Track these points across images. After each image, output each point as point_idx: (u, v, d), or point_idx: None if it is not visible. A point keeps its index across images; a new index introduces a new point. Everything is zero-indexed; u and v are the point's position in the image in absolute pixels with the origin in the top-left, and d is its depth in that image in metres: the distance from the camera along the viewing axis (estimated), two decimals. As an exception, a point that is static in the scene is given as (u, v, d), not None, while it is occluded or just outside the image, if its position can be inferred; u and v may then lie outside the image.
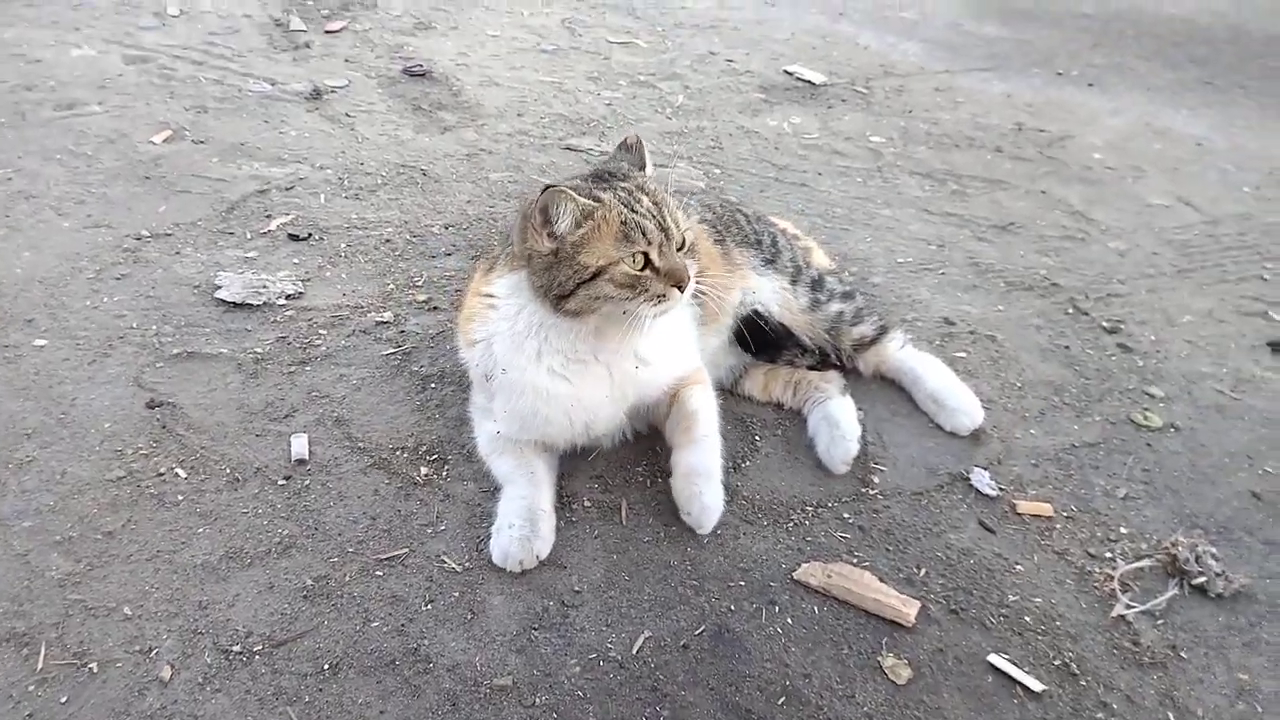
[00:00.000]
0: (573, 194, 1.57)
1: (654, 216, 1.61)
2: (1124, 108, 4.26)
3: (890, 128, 3.90)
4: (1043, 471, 2.05)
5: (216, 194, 2.90)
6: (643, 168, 1.77)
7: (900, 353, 2.27)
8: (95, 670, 1.49)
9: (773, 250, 2.22)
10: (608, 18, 5.06)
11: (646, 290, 1.61)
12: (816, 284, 2.23)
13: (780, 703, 1.52)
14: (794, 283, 2.20)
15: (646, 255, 1.61)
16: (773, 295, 2.16)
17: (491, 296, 1.79)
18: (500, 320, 1.77)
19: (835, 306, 2.22)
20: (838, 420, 2.04)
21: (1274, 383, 2.41)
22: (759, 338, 2.17)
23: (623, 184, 1.66)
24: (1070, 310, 2.66)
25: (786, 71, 4.44)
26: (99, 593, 1.61)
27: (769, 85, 4.28)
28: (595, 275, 1.60)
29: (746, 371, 2.22)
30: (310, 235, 2.71)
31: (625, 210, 1.60)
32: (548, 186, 1.58)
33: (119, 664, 1.51)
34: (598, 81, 4.13)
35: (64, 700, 1.45)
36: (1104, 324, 2.60)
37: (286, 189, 2.96)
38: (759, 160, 3.50)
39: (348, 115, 3.54)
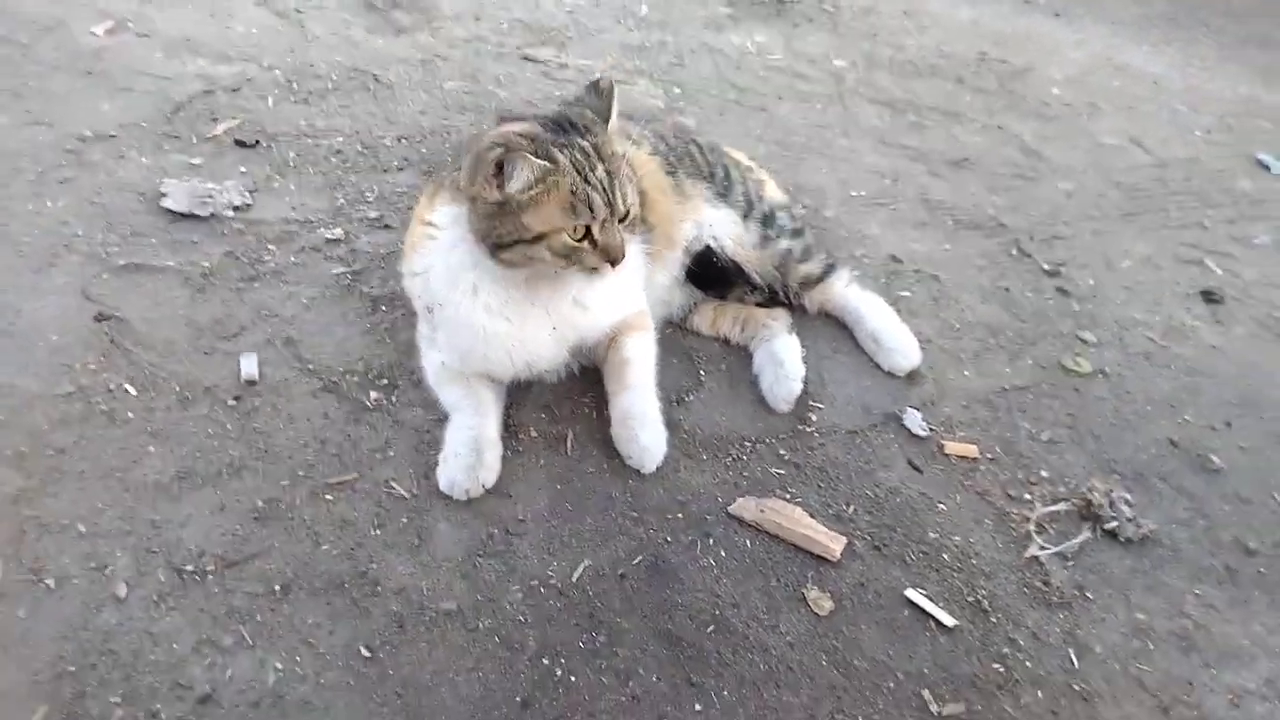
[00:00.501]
0: (530, 157, 1.57)
1: (603, 189, 1.61)
2: (1087, 40, 4.27)
3: (855, 50, 3.86)
4: (972, 413, 2.15)
5: (161, 93, 2.80)
6: (608, 119, 1.74)
7: (845, 291, 2.32)
8: (52, 586, 1.53)
9: (725, 184, 2.23)
10: (573, -87, 4.87)
11: (580, 262, 1.65)
12: (768, 219, 2.25)
13: (709, 631, 1.62)
14: (745, 218, 2.22)
15: (588, 228, 1.63)
16: (724, 229, 2.19)
17: (432, 225, 1.80)
18: (438, 252, 1.79)
19: (785, 243, 2.25)
20: (782, 359, 2.10)
21: (1202, 332, 2.52)
22: (709, 273, 2.21)
23: (581, 143, 1.65)
24: (1014, 251, 2.73)
25: (754, -17, 4.34)
26: (53, 509, 1.64)
27: (735, -2, 4.20)
28: (535, 239, 1.62)
29: (696, 307, 2.26)
30: (258, 142, 2.65)
31: (578, 179, 1.61)
32: (506, 143, 1.58)
33: (75, 580, 1.55)
34: (560, -14, 4.01)
35: (22, 614, 1.49)
36: (1045, 266, 2.68)
37: (233, 90, 2.87)
38: (720, 80, 3.46)
39: (297, 10, 3.41)
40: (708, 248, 2.19)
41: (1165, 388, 2.30)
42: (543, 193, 1.60)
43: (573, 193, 1.60)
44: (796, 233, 2.30)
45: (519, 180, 1.59)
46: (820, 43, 3.89)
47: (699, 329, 2.26)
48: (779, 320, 2.22)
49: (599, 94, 1.77)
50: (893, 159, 3.12)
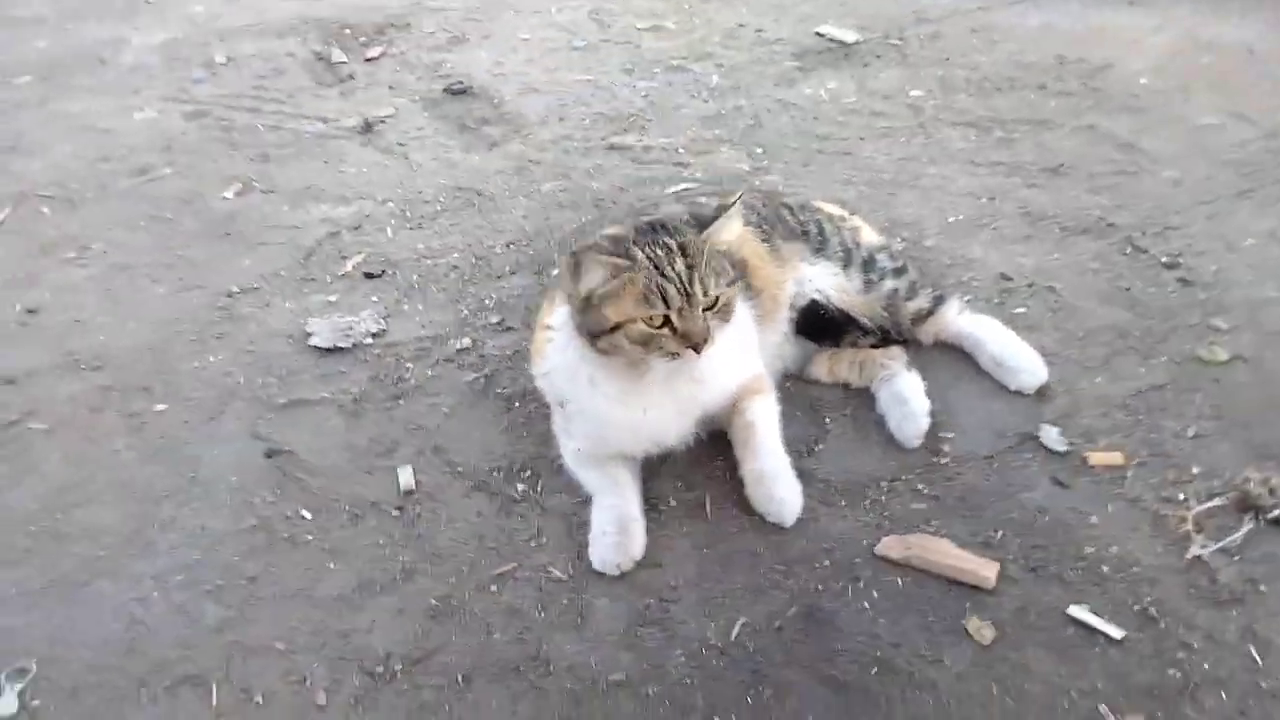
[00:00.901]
0: (599, 256, 1.73)
1: (681, 281, 1.73)
2: (1167, 23, 4.16)
3: (928, 79, 3.89)
4: (1111, 420, 2.11)
5: (292, 241, 3.08)
6: (706, 226, 1.83)
7: (959, 319, 2.33)
8: (261, 702, 1.69)
9: (820, 239, 2.30)
10: (633, 2, 5.10)
11: (661, 347, 1.76)
12: (868, 264, 2.30)
13: (874, 673, 1.64)
14: (846, 266, 2.28)
15: (666, 317, 1.75)
16: (827, 282, 2.25)
17: (550, 329, 1.97)
18: (557, 352, 1.96)
19: (889, 284, 2.29)
20: (906, 397, 2.13)
21: (1343, 299, 2.41)
22: (820, 324, 2.27)
23: (667, 241, 1.78)
24: (1128, 250, 2.68)
25: (818, 33, 4.43)
26: (252, 633, 1.81)
27: (801, 51, 4.30)
28: (614, 329, 1.76)
29: (811, 358, 2.31)
30: (384, 271, 2.88)
31: (653, 272, 1.73)
32: (580, 247, 1.76)
33: (279, 695, 1.70)
34: (631, 73, 4.20)
35: (238, 732, 1.65)
36: (1163, 259, 2.62)
37: (354, 228, 3.13)
38: (799, 133, 3.55)
39: (399, 144, 3.70)
40: (814, 301, 2.25)
41: (1312, 363, 2.21)
42: (619, 287, 1.74)
43: (645, 285, 1.73)
44: (899, 271, 2.34)
45: (593, 277, 1.75)
46: (893, 78, 3.94)
47: (817, 377, 2.31)
48: (896, 359, 2.25)
49: (720, 210, 1.88)
50: (985, 178, 3.12)
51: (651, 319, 1.74)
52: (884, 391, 2.19)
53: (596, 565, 1.87)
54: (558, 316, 1.94)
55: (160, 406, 2.40)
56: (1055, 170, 3.12)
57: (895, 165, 3.26)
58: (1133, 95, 3.56)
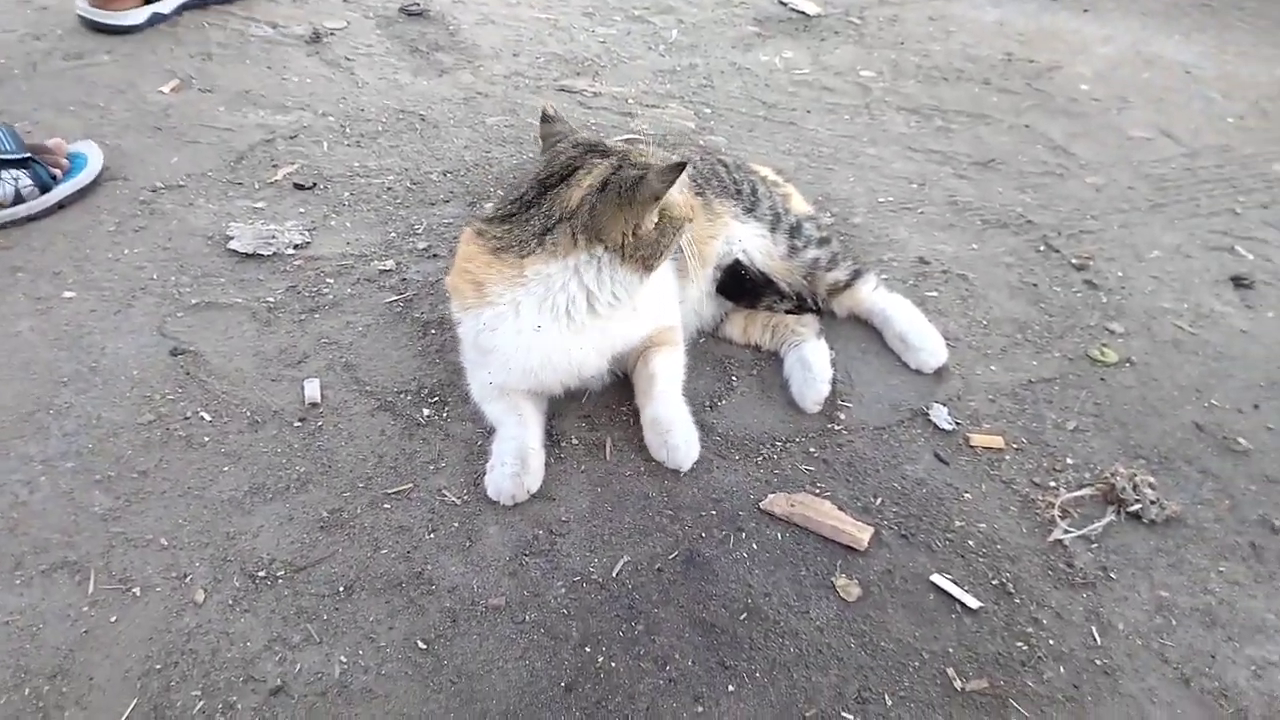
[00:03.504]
0: (664, 169, 1.74)
1: None
2: (1116, 34, 4.28)
3: (881, 61, 3.95)
4: (999, 406, 2.21)
5: (224, 144, 3.02)
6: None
7: (872, 295, 2.40)
8: (138, 594, 1.70)
9: (752, 199, 2.34)
10: (605, -54, 5.05)
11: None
12: (795, 230, 2.35)
13: (743, 618, 1.71)
14: (773, 230, 2.33)
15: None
16: (753, 243, 2.30)
17: (524, 278, 1.84)
18: (532, 301, 1.85)
19: (812, 253, 2.35)
20: (811, 363, 2.20)
21: (1231, 317, 2.54)
22: (739, 285, 2.31)
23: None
24: (1042, 248, 2.79)
25: (781, 2, 4.46)
26: (138, 526, 1.81)
27: (763, 17, 4.32)
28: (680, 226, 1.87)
29: (727, 316, 2.37)
30: (315, 184, 2.84)
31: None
32: (679, 163, 1.74)
33: (158, 588, 1.71)
34: (592, 18, 4.18)
35: (113, 619, 1.65)
36: (1073, 261, 2.73)
37: (290, 137, 3.08)
38: (749, 98, 3.58)
39: (347, 59, 3.63)
40: (737, 261, 2.30)
41: (1193, 373, 2.33)
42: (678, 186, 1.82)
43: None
44: (823, 241, 2.40)
45: (678, 184, 1.78)
46: (847, 55, 3.99)
47: (731, 337, 2.37)
48: (808, 326, 2.32)
49: (553, 120, 2.03)
50: (920, 164, 3.20)
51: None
52: (791, 356, 2.25)
53: (491, 494, 1.90)
54: (538, 270, 1.83)
55: (69, 294, 2.35)
56: (986, 164, 3.21)
57: (837, 141, 3.32)
58: (1072, 100, 3.67)
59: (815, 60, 3.92)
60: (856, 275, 2.41)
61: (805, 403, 2.17)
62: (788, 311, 2.37)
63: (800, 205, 2.54)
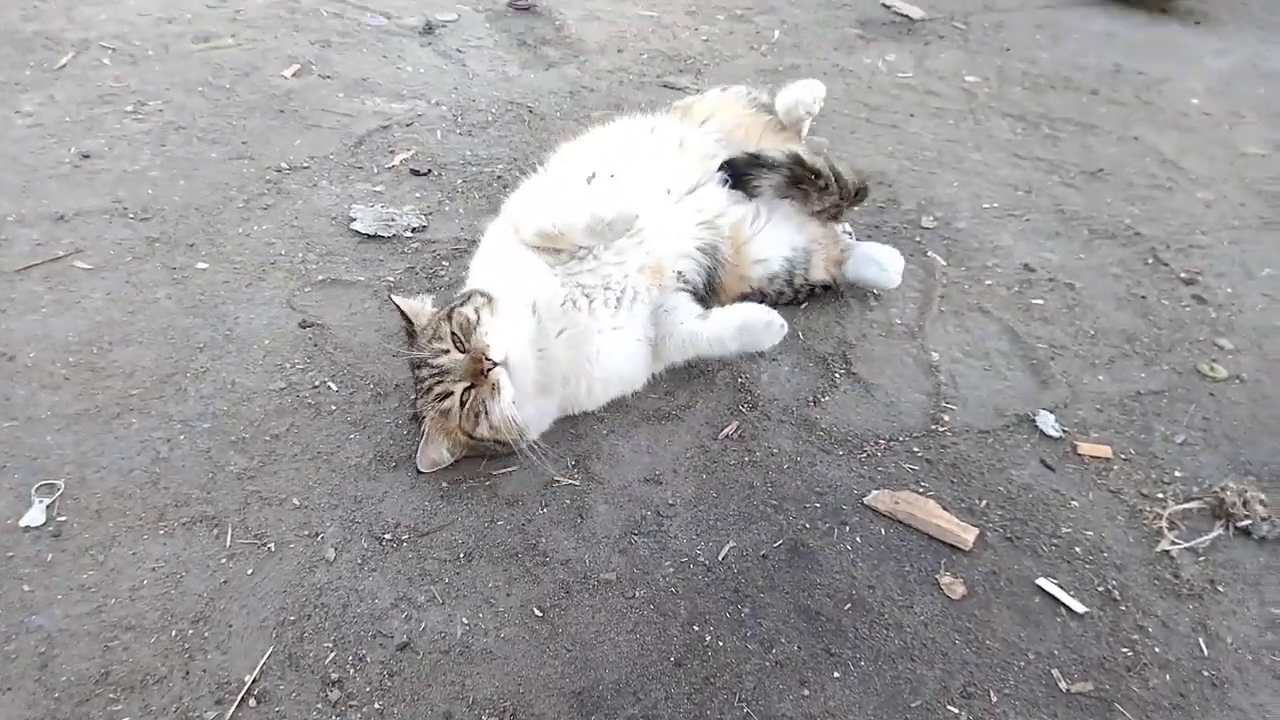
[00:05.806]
0: None
1: None
2: (1230, 48, 4.18)
3: (986, 66, 3.92)
4: (1106, 416, 2.20)
5: (344, 128, 3.14)
6: None
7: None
8: (273, 549, 1.80)
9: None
10: (707, -54, 5.09)
11: None
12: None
13: (846, 608, 1.75)
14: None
15: None
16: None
17: None
18: None
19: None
20: (874, 256, 2.45)
21: (1347, 339, 2.48)
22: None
23: None
24: (1150, 260, 2.75)
25: (885, 5, 4.45)
26: (271, 485, 1.92)
27: (866, 20, 4.32)
28: None
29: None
30: (430, 171, 2.95)
31: None
32: None
33: (292, 545, 1.81)
34: (695, 16, 4.23)
35: (250, 572, 1.76)
36: (1182, 275, 2.69)
37: (406, 125, 3.19)
38: (851, 100, 3.59)
39: (458, 50, 3.74)
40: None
41: (1307, 393, 2.29)
42: None
43: None
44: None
45: None
46: (952, 60, 3.97)
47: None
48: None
49: None
50: (1026, 171, 3.18)
51: None
52: (854, 258, 2.47)
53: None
54: None
55: (203, 265, 2.49)
56: (1094, 174, 3.18)
57: (940, 145, 3.31)
58: (1182, 114, 3.60)
59: (919, 64, 3.91)
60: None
61: (892, 279, 2.44)
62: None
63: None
